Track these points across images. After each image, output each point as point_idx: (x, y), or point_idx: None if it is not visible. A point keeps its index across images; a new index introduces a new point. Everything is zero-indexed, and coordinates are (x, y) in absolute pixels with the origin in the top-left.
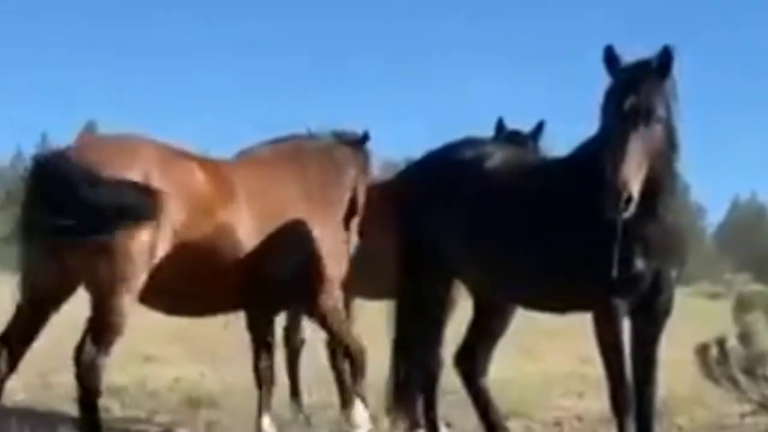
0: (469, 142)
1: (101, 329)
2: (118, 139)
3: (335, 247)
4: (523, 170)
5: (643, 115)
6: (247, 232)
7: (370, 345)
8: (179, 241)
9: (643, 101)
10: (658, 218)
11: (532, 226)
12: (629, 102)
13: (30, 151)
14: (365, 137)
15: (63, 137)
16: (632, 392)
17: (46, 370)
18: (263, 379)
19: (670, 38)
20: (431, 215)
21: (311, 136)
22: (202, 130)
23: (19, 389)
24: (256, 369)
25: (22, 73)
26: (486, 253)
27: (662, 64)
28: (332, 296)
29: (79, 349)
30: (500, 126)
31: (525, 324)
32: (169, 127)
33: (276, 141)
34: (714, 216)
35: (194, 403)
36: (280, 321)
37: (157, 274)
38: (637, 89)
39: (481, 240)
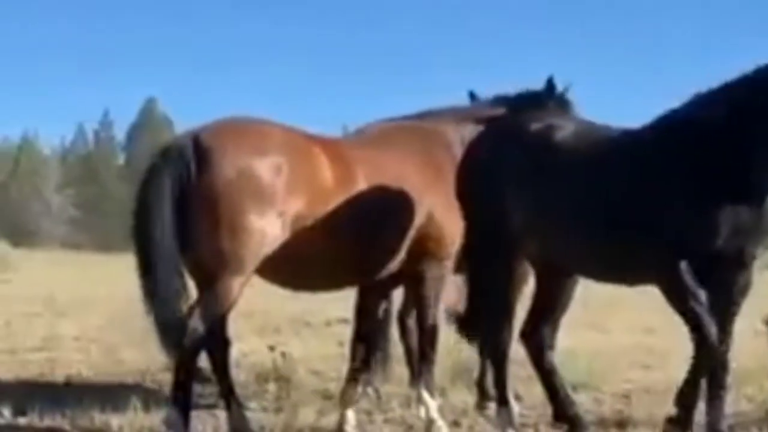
0: (534, 114)
1: (209, 306)
2: (248, 124)
3: (450, 222)
4: (593, 141)
5: None
6: (365, 210)
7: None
8: (300, 223)
9: None
10: (753, 197)
11: (603, 198)
12: None
13: (92, 127)
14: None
15: (124, 113)
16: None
17: (114, 346)
18: (356, 353)
19: None
20: (499, 188)
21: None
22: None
23: (87, 365)
24: (356, 341)
25: (82, 49)
26: (556, 225)
27: None
28: (443, 268)
29: (186, 320)
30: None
31: (588, 296)
32: (230, 103)
33: (391, 119)
34: None
35: (262, 378)
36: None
37: (278, 253)
38: None
39: (550, 212)
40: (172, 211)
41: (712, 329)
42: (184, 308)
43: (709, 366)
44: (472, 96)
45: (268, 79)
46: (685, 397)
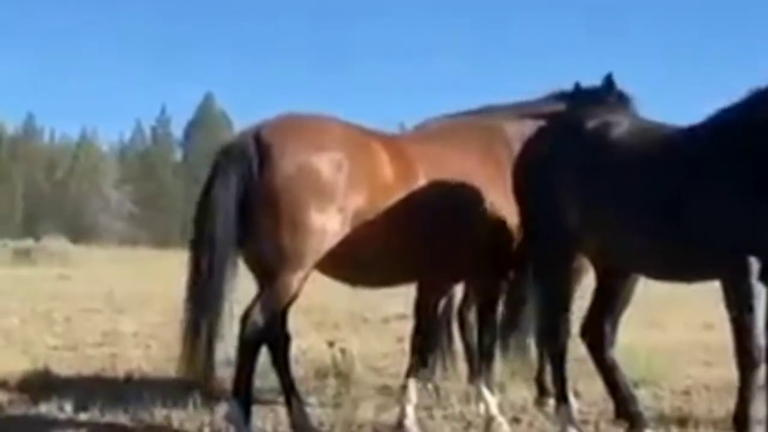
0: (591, 110)
1: (269, 301)
2: (309, 120)
3: (511, 218)
4: (650, 138)
5: None
6: (425, 207)
7: None
8: (360, 219)
9: None
10: None
11: (662, 195)
12: None
13: (149, 124)
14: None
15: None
16: (763, 358)
17: (172, 343)
18: (416, 349)
19: None
20: (556, 185)
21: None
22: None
23: (147, 361)
24: (416, 337)
25: (140, 46)
26: (613, 223)
27: None
28: (503, 268)
29: (247, 315)
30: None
31: (645, 293)
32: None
33: (450, 115)
34: None
35: (321, 373)
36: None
37: (338, 249)
38: None
39: (608, 210)
40: (236, 209)
41: (758, 341)
42: (227, 309)
43: (753, 371)
44: (578, 87)
45: (324, 75)
46: (744, 397)
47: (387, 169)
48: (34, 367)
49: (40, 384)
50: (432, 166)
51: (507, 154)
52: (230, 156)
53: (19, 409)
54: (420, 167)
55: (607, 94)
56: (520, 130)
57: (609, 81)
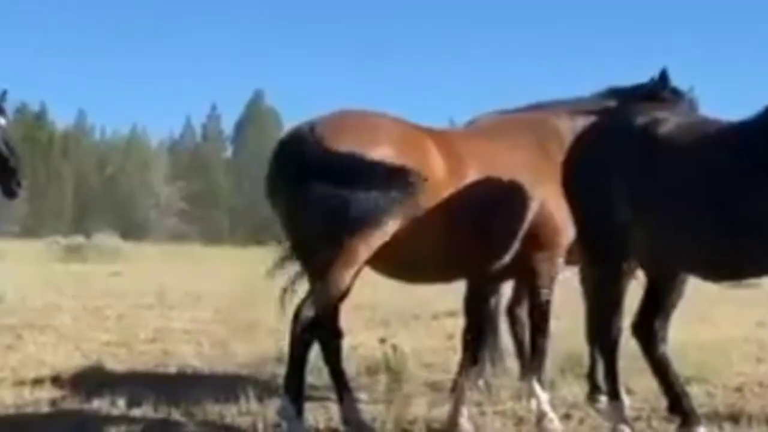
0: (642, 106)
1: (321, 297)
2: (361, 116)
3: (561, 216)
4: (700, 133)
5: None
6: (476, 203)
7: None
8: (411, 216)
9: None
10: None
11: (715, 193)
12: None
13: (200, 120)
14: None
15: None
16: None
17: (223, 339)
18: (468, 346)
19: None
20: (606, 181)
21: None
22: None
23: (199, 358)
24: (467, 334)
25: (189, 43)
26: (664, 220)
27: None
28: (555, 264)
29: (298, 311)
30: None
31: (695, 289)
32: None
33: (502, 111)
34: None
35: (372, 370)
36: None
37: (389, 245)
38: None
39: (659, 206)
40: (291, 205)
41: None
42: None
43: None
44: (663, 75)
45: (373, 71)
46: None
47: (438, 166)
48: (87, 363)
49: (93, 380)
50: (483, 162)
51: (559, 151)
52: (285, 152)
53: (72, 405)
54: (471, 163)
55: (662, 90)
56: (572, 127)
57: (663, 77)
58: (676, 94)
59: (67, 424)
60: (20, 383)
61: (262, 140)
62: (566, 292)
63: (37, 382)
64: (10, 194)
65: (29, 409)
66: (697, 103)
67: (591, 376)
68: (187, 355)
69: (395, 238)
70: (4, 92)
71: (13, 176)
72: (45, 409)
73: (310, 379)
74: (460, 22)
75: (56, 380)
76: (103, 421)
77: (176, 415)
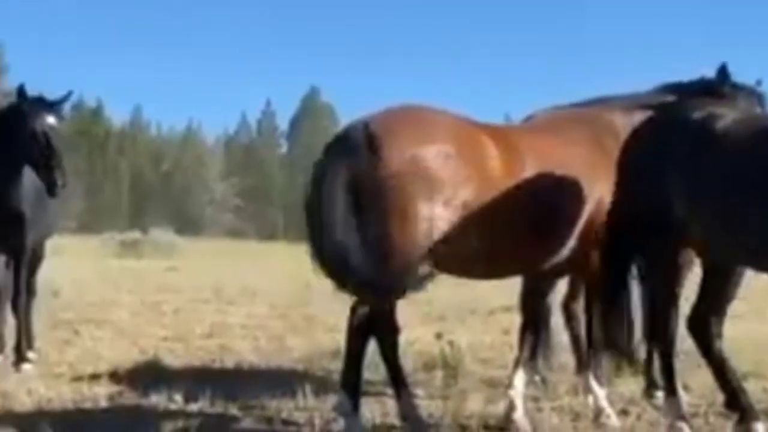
0: (697, 101)
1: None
2: (417, 112)
3: None
4: (756, 128)
5: None
6: (533, 199)
7: None
8: (468, 211)
9: None
10: None
11: None
12: None
13: (254, 116)
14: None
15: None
16: None
17: (279, 335)
18: (525, 341)
19: None
20: (661, 177)
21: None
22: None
23: (255, 353)
24: (524, 330)
25: (245, 39)
26: (720, 216)
27: None
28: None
29: (355, 306)
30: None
31: (751, 284)
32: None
33: (559, 107)
34: None
35: (429, 365)
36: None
37: (445, 241)
38: None
39: (715, 201)
40: (345, 200)
41: None
42: None
43: None
44: (723, 69)
45: (429, 67)
46: None
47: (495, 162)
48: (144, 358)
49: (150, 375)
50: (539, 158)
51: (615, 146)
52: (340, 147)
53: (129, 400)
54: (527, 159)
55: (721, 86)
56: (629, 122)
57: (723, 72)
58: (737, 88)
59: (124, 419)
60: (78, 378)
61: (316, 136)
62: None
63: (95, 377)
64: (50, 192)
65: (87, 405)
66: (765, 98)
67: (648, 371)
68: (244, 350)
69: (451, 233)
70: (69, 93)
71: (53, 174)
72: (102, 404)
73: (366, 374)
74: (515, 16)
75: (113, 375)
76: (160, 416)
77: (233, 410)
